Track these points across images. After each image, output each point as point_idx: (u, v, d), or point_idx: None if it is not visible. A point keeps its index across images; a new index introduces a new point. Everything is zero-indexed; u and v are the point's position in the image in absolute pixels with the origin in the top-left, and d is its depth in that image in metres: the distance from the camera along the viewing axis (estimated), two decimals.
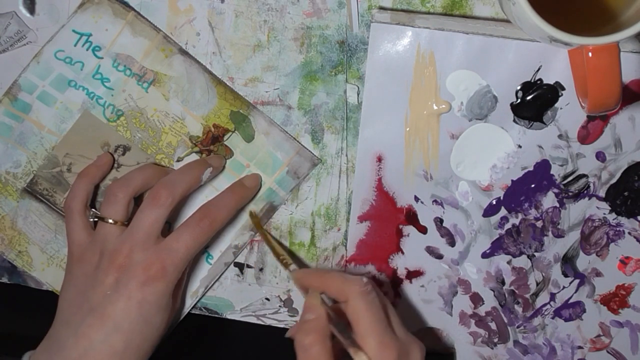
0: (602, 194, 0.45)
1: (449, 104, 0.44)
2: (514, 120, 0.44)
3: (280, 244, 0.48)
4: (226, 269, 0.48)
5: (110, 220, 0.43)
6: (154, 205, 0.42)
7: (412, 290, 0.47)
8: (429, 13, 0.44)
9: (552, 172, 0.45)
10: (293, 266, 0.44)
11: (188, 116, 0.46)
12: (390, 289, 0.47)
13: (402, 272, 0.47)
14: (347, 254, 0.47)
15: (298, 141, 0.46)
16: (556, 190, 0.45)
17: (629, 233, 0.45)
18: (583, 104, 0.39)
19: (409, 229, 0.46)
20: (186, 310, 0.48)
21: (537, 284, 0.47)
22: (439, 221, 0.46)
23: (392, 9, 0.44)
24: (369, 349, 0.37)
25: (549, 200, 0.45)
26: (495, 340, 0.48)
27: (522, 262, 0.46)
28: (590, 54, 0.35)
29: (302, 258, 0.48)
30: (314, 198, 0.47)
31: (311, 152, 0.46)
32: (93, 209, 0.45)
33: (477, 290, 0.47)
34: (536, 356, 0.48)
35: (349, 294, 0.39)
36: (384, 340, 0.38)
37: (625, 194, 0.45)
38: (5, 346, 0.50)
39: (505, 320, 0.47)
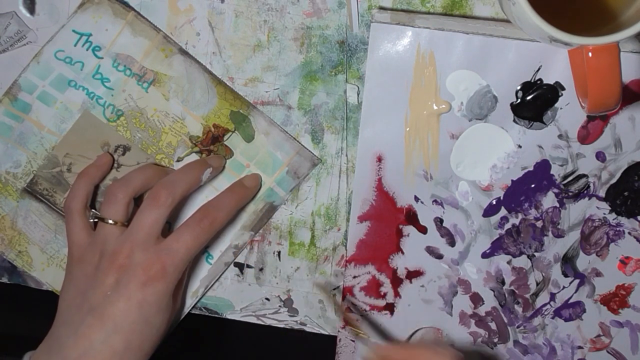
0: (602, 194, 0.45)
1: (449, 104, 0.44)
2: (514, 120, 0.44)
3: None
4: (226, 269, 0.48)
5: (110, 221, 0.43)
6: (154, 206, 0.42)
7: (412, 290, 0.47)
8: (429, 13, 0.44)
9: (552, 172, 0.45)
10: (372, 341, 0.43)
11: (188, 116, 0.46)
12: (390, 289, 0.47)
13: (402, 272, 0.47)
14: (347, 254, 0.47)
15: (298, 141, 0.46)
16: (556, 190, 0.45)
17: (629, 233, 0.45)
18: (583, 104, 0.39)
19: (409, 229, 0.46)
20: (186, 310, 0.49)
21: (537, 284, 0.47)
22: (439, 221, 0.46)
23: (392, 9, 0.44)
24: None
25: (549, 200, 0.45)
26: (495, 340, 0.48)
27: (522, 262, 0.46)
28: (590, 54, 0.35)
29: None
30: (314, 198, 0.47)
31: (311, 152, 0.46)
32: (93, 210, 0.45)
33: (477, 290, 0.47)
34: (536, 356, 0.48)
35: None
36: None
37: (625, 194, 0.45)
38: (5, 346, 0.50)
39: (505, 320, 0.47)
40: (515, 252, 0.46)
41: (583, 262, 0.46)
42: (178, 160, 0.47)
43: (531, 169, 0.45)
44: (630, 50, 0.41)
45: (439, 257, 0.47)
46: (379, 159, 0.45)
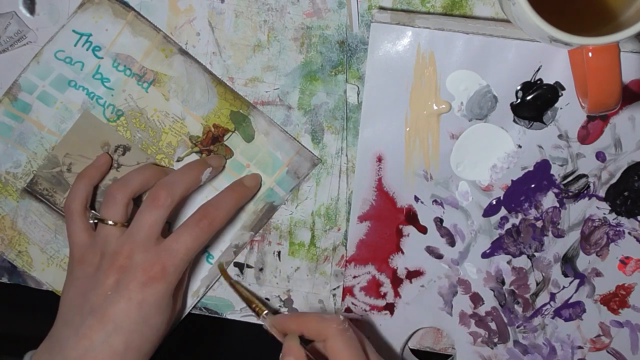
0: (602, 194, 0.45)
1: (449, 104, 0.44)
2: (514, 120, 0.44)
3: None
4: (226, 268, 0.48)
5: (110, 222, 0.43)
6: (154, 207, 0.42)
7: (412, 290, 0.47)
8: (429, 13, 0.44)
9: (552, 172, 0.45)
10: (267, 312, 0.44)
11: (188, 116, 0.46)
12: (390, 289, 0.47)
13: (402, 272, 0.47)
14: (347, 254, 0.47)
15: (298, 141, 0.46)
16: (556, 190, 0.45)
17: (629, 233, 0.45)
18: (583, 104, 0.39)
19: (409, 229, 0.46)
20: (187, 310, 0.48)
21: (537, 284, 0.47)
22: (439, 221, 0.46)
23: (392, 9, 0.44)
24: None
25: (549, 200, 0.45)
26: (495, 340, 0.48)
27: (522, 262, 0.46)
28: (590, 54, 0.35)
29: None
30: (314, 198, 0.47)
31: (311, 152, 0.46)
32: (93, 211, 0.45)
33: (477, 290, 0.47)
34: (536, 356, 0.48)
35: (327, 333, 0.40)
36: None
37: (625, 194, 0.45)
38: (5, 346, 0.50)
39: (505, 320, 0.47)
40: (515, 252, 0.46)
41: (583, 262, 0.46)
42: (178, 160, 0.47)
43: (531, 169, 0.45)
44: (630, 50, 0.41)
45: (439, 257, 0.47)
46: (379, 159, 0.45)
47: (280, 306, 0.49)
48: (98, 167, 0.46)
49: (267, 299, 0.49)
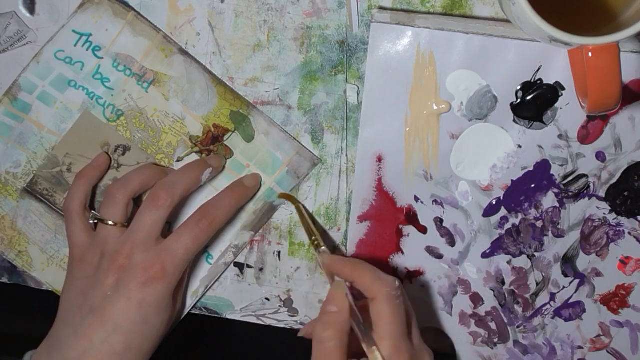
0: (602, 194, 0.45)
1: (449, 104, 0.44)
2: (514, 120, 0.44)
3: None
4: (226, 269, 0.48)
5: (110, 222, 0.43)
6: (154, 207, 0.42)
7: (412, 290, 0.47)
8: (429, 13, 0.44)
9: (552, 172, 0.45)
10: (324, 248, 0.43)
11: (188, 116, 0.46)
12: None
13: (402, 272, 0.47)
14: (347, 254, 0.47)
15: (298, 141, 0.46)
16: (556, 190, 0.45)
17: (629, 233, 0.45)
18: (583, 104, 0.39)
19: (409, 229, 0.46)
20: (187, 310, 0.48)
21: (537, 284, 0.47)
22: (439, 221, 0.46)
23: (392, 9, 0.44)
24: (384, 351, 0.37)
25: (549, 200, 0.45)
26: (495, 340, 0.48)
27: (522, 262, 0.46)
28: (590, 54, 0.35)
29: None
30: (314, 198, 0.47)
31: (311, 152, 0.46)
32: (93, 211, 0.45)
33: (477, 290, 0.47)
34: (536, 356, 0.48)
35: (378, 293, 0.38)
36: (400, 346, 0.37)
37: (625, 194, 0.45)
38: (5, 346, 0.50)
39: (505, 320, 0.47)
40: (515, 252, 0.46)
41: (583, 262, 0.46)
42: (178, 160, 0.47)
43: (531, 169, 0.45)
44: (630, 50, 0.41)
45: (439, 257, 0.47)
46: (379, 159, 0.45)
47: (280, 306, 0.49)
48: (97, 167, 0.46)
49: (267, 299, 0.49)
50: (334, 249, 0.48)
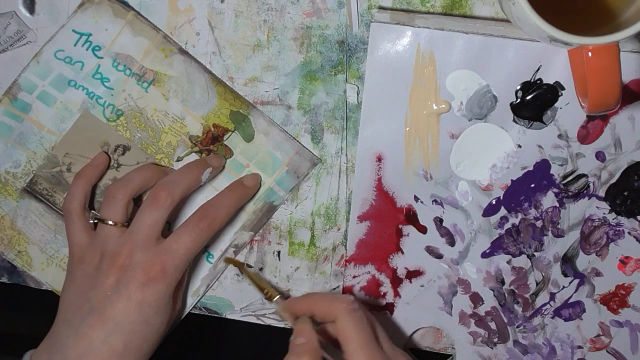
0: (602, 194, 0.45)
1: (449, 104, 0.44)
2: (514, 120, 0.44)
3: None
4: (226, 268, 0.48)
5: (110, 222, 0.43)
6: (154, 207, 0.42)
7: (412, 290, 0.47)
8: (429, 13, 0.44)
9: (552, 172, 0.45)
10: (277, 298, 0.45)
11: (188, 116, 0.46)
12: (390, 289, 0.47)
13: (402, 272, 0.47)
14: (347, 254, 0.47)
15: (298, 141, 0.46)
16: (556, 190, 0.45)
17: (629, 233, 0.45)
18: (583, 104, 0.39)
19: (409, 229, 0.46)
20: (187, 310, 0.48)
21: (537, 284, 0.47)
22: (439, 221, 0.46)
23: (392, 9, 0.44)
24: None
25: (549, 200, 0.45)
26: (495, 340, 0.48)
27: (522, 262, 0.46)
28: (590, 54, 0.35)
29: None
30: (314, 198, 0.47)
31: (311, 152, 0.46)
32: (93, 211, 0.45)
33: (477, 290, 0.47)
34: (536, 356, 0.48)
35: (337, 313, 0.40)
36: (374, 354, 0.39)
37: (625, 194, 0.45)
38: (5, 346, 0.50)
39: (505, 320, 0.47)
40: (515, 252, 0.46)
41: (583, 262, 0.46)
42: (178, 160, 0.47)
43: (531, 169, 0.45)
44: (630, 50, 0.41)
45: (439, 257, 0.47)
46: (379, 159, 0.45)
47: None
48: (96, 167, 0.46)
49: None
50: (334, 248, 0.48)
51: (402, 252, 0.47)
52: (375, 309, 0.48)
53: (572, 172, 0.45)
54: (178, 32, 0.45)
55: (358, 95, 0.45)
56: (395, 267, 0.47)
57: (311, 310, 0.41)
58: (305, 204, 0.47)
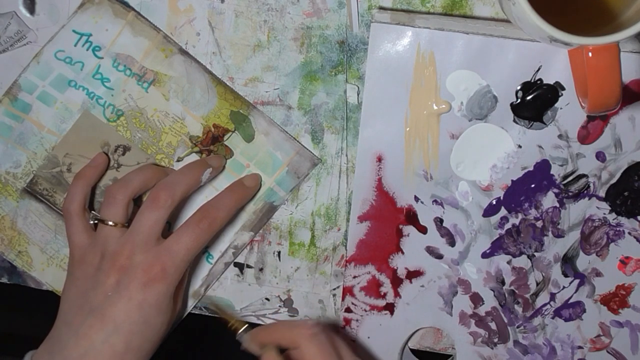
0: (602, 194, 0.45)
1: (449, 104, 0.44)
2: (514, 120, 0.44)
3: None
4: (226, 268, 0.48)
5: (110, 222, 0.43)
6: (154, 207, 0.42)
7: (412, 290, 0.47)
8: (429, 13, 0.44)
9: (552, 172, 0.45)
10: (242, 329, 0.45)
11: (188, 116, 0.46)
12: (390, 289, 0.47)
13: (402, 272, 0.47)
14: (347, 254, 0.47)
15: (298, 141, 0.46)
16: (556, 190, 0.45)
17: (629, 233, 0.45)
18: (583, 104, 0.39)
19: (409, 229, 0.46)
20: (187, 310, 0.49)
21: (537, 284, 0.47)
22: (439, 221, 0.46)
23: (392, 9, 0.44)
24: None
25: (549, 200, 0.45)
26: (495, 340, 0.48)
27: (522, 262, 0.46)
28: (590, 54, 0.35)
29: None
30: (314, 198, 0.47)
31: (311, 152, 0.46)
32: (93, 211, 0.45)
33: (477, 290, 0.47)
34: (536, 356, 0.48)
35: (298, 338, 0.40)
36: None
37: (625, 194, 0.45)
38: (5, 346, 0.50)
39: (505, 320, 0.47)
40: (515, 252, 0.46)
41: (583, 262, 0.46)
42: (178, 160, 0.47)
43: (531, 169, 0.45)
44: (630, 50, 0.41)
45: (439, 257, 0.47)
46: (379, 159, 0.45)
47: (280, 306, 0.49)
48: (95, 167, 0.46)
49: (267, 299, 0.49)
50: (334, 248, 0.48)
51: (402, 252, 0.47)
52: (375, 309, 0.48)
53: (572, 172, 0.45)
54: (178, 32, 0.45)
55: (358, 95, 0.45)
56: (395, 267, 0.47)
57: (275, 339, 0.42)
58: (305, 204, 0.47)
